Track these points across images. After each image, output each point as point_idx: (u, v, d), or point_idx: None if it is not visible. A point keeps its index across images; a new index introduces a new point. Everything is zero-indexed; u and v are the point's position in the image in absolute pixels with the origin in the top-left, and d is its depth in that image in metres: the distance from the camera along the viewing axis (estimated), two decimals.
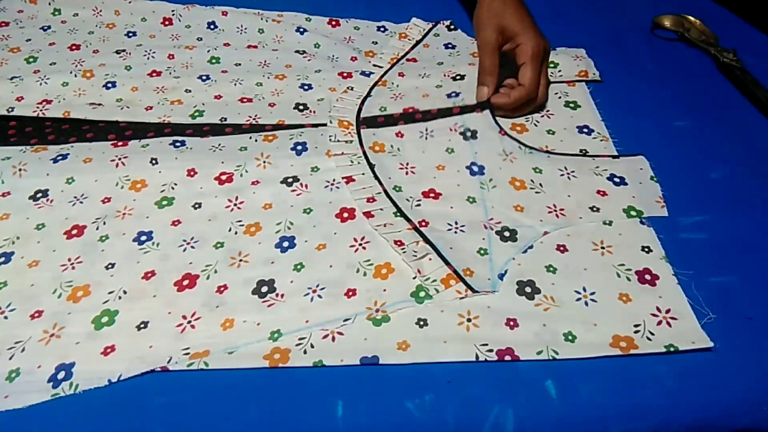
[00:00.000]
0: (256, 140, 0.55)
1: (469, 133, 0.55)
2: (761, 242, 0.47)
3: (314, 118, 0.57)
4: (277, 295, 0.43)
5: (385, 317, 0.42)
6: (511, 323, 0.41)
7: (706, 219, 0.49)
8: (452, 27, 0.70)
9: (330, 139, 0.55)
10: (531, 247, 0.47)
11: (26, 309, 0.43)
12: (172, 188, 0.51)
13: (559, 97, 0.61)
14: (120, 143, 0.54)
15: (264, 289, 0.44)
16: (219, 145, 0.54)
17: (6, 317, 0.42)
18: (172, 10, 0.70)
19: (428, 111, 0.56)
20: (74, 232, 0.48)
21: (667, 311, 0.42)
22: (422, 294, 0.43)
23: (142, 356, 0.40)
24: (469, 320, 0.42)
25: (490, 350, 0.40)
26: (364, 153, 0.54)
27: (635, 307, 0.43)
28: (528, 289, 0.44)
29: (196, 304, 0.43)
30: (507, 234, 0.47)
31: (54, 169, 0.51)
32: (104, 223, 0.48)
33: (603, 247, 0.47)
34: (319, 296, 0.43)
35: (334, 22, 0.71)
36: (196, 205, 0.50)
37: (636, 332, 0.41)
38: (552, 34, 0.59)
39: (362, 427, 0.37)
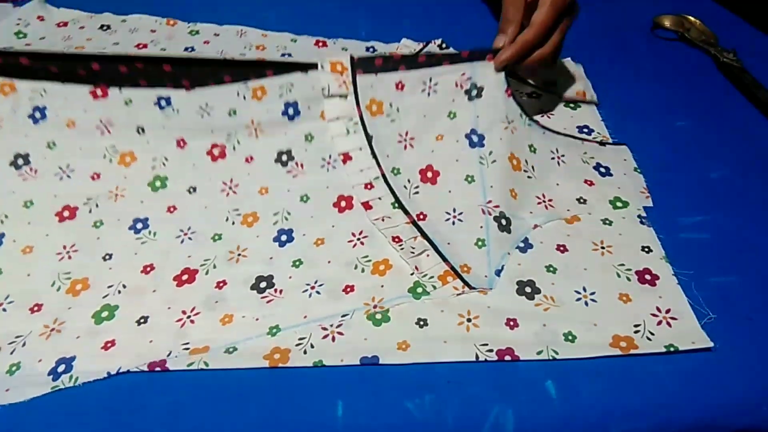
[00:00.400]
0: (244, 97, 0.50)
1: (474, 91, 0.51)
2: (761, 242, 0.47)
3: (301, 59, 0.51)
4: (275, 291, 0.44)
5: (385, 317, 0.42)
6: (511, 323, 0.41)
7: (706, 219, 0.49)
8: (444, 45, 0.66)
9: (323, 93, 0.50)
10: (531, 247, 0.47)
11: (25, 303, 0.43)
12: (164, 164, 0.49)
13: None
14: (99, 92, 0.49)
15: (263, 284, 0.44)
16: (206, 105, 0.49)
17: (5, 310, 0.42)
18: (153, 30, 0.66)
19: (433, 54, 0.51)
20: (66, 214, 0.47)
21: (667, 311, 0.42)
22: (419, 290, 0.43)
23: (142, 351, 0.40)
24: (469, 320, 0.42)
25: (490, 350, 0.40)
26: (361, 117, 0.50)
27: (635, 307, 0.42)
28: (528, 289, 0.44)
29: (196, 299, 0.43)
30: (504, 222, 0.47)
31: (33, 129, 0.48)
32: (97, 206, 0.48)
33: (603, 247, 0.47)
34: (318, 292, 0.43)
35: (321, 43, 0.67)
36: (191, 190, 0.49)
37: (636, 332, 0.41)
38: None
39: (362, 427, 0.37)
